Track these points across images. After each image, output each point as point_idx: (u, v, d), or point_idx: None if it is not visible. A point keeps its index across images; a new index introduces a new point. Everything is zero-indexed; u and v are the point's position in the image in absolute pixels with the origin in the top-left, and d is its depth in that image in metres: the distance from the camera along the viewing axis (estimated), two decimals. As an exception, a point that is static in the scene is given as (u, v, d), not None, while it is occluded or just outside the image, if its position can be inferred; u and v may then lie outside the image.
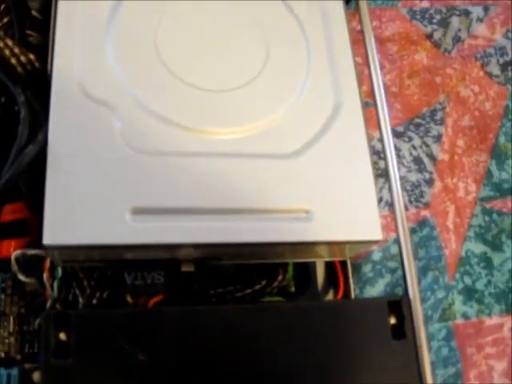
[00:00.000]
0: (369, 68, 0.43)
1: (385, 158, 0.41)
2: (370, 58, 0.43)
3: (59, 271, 0.38)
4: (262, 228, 0.35)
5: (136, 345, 0.31)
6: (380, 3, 0.56)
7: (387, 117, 0.42)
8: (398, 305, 0.36)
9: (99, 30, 0.38)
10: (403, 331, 0.35)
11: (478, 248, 0.50)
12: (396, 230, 0.38)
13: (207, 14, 0.40)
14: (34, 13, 0.43)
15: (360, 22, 0.44)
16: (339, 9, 0.43)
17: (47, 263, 0.38)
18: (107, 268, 0.38)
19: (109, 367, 0.30)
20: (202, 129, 0.37)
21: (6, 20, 0.39)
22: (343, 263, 0.44)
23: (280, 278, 0.40)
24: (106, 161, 0.34)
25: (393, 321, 0.35)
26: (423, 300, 0.47)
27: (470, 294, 0.49)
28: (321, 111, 0.39)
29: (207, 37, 0.39)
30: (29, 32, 0.43)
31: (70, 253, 0.34)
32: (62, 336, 0.30)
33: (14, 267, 0.36)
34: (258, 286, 0.40)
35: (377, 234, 0.37)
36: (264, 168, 0.36)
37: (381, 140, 0.42)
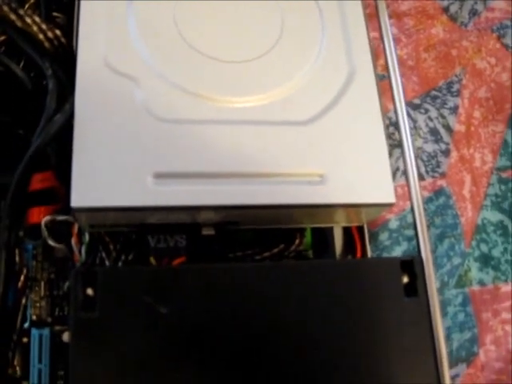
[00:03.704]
0: (382, 40, 0.44)
1: (398, 127, 0.42)
2: (384, 29, 0.44)
3: (86, 236, 0.40)
4: (277, 191, 0.36)
5: (158, 299, 0.33)
6: (395, -22, 0.57)
7: (400, 87, 0.43)
8: (410, 264, 0.37)
9: (122, 5, 0.40)
10: (415, 289, 0.36)
11: (495, 216, 0.51)
12: (408, 186, 0.39)
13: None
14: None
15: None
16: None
17: (75, 229, 0.40)
18: (132, 232, 0.40)
19: (132, 319, 0.32)
20: (220, 98, 0.38)
21: (33, 0, 0.41)
22: (360, 230, 0.46)
23: (297, 241, 0.42)
24: (128, 129, 0.36)
25: (405, 279, 0.37)
26: (440, 266, 0.48)
27: (486, 260, 0.49)
28: (335, 80, 0.40)
29: (224, 10, 0.41)
30: (55, 14, 0.45)
31: (96, 216, 0.36)
32: (89, 291, 0.33)
33: (44, 233, 0.39)
34: (276, 250, 0.41)
35: (390, 197, 0.38)
36: (279, 134, 0.38)
37: (394, 110, 0.42)
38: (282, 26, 0.41)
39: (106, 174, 0.35)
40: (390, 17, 0.54)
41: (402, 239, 0.49)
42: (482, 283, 0.49)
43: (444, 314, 0.47)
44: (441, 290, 0.47)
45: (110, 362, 0.32)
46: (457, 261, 0.49)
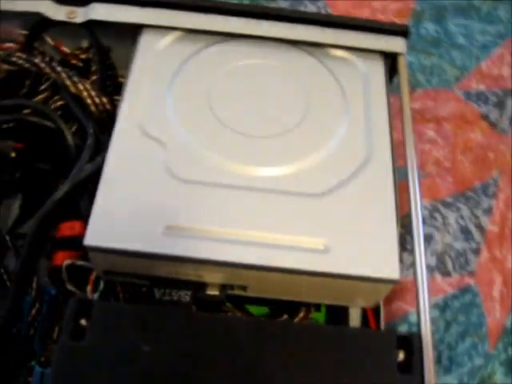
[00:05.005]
0: (403, 140, 0.45)
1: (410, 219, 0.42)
2: (407, 131, 0.45)
3: (101, 284, 0.42)
4: (280, 255, 0.38)
5: (143, 337, 0.34)
6: (435, 85, 0.59)
7: (417, 186, 0.43)
8: (406, 340, 0.36)
9: (164, 83, 0.45)
10: (410, 366, 0.35)
11: (526, 320, 0.48)
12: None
13: (258, 75, 0.46)
14: (120, 79, 0.52)
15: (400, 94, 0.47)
16: (381, 78, 0.47)
17: (92, 277, 0.42)
18: (141, 285, 0.42)
19: (116, 353, 0.33)
20: (239, 167, 0.41)
21: (94, 78, 0.47)
22: (377, 315, 0.45)
23: (302, 315, 0.42)
24: (149, 185, 0.40)
25: (401, 355, 0.35)
26: (459, 365, 0.45)
27: None
28: (351, 162, 0.42)
29: (254, 89, 0.45)
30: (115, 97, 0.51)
31: (107, 259, 0.38)
32: (83, 322, 0.34)
33: (64, 275, 0.41)
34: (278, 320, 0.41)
35: (394, 274, 0.38)
36: (291, 203, 0.40)
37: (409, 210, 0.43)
38: (307, 111, 0.44)
39: (122, 221, 0.38)
40: (429, 121, 0.56)
41: (421, 333, 0.47)
42: (507, 389, 0.45)
43: (463, 418, 0.43)
44: (459, 392, 0.44)
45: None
46: (479, 362, 0.46)
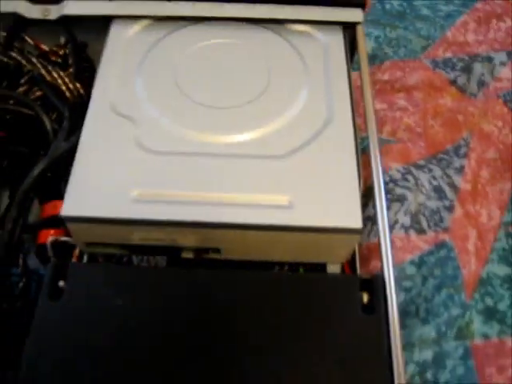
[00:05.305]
0: (363, 104, 0.47)
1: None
2: (366, 96, 0.47)
3: (85, 258, 0.44)
4: (246, 212, 0.40)
5: (117, 294, 0.36)
6: (403, 56, 0.61)
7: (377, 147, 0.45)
8: (369, 282, 0.37)
9: (133, 65, 0.47)
10: (373, 307, 0.36)
11: (502, 270, 0.49)
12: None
13: (222, 53, 0.49)
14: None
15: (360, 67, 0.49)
16: (341, 48, 0.49)
17: (76, 251, 0.45)
18: (122, 255, 0.44)
19: (91, 308, 0.35)
20: (206, 136, 0.43)
21: (71, 70, 0.50)
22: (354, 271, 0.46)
23: (275, 272, 0.43)
24: (121, 158, 0.42)
25: (365, 297, 0.37)
26: (436, 315, 0.46)
27: (490, 314, 0.47)
28: (312, 126, 0.44)
29: (220, 69, 0.48)
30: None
31: (85, 229, 0.40)
32: (61, 283, 0.37)
33: (50, 251, 0.44)
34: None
35: (356, 223, 0.39)
36: (256, 165, 0.42)
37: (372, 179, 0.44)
38: (268, 81, 0.47)
39: (96, 191, 0.40)
40: (399, 91, 0.58)
41: (399, 289, 0.48)
42: (485, 336, 0.46)
43: (442, 366, 0.44)
44: (438, 341, 0.45)
45: (68, 347, 0.35)
46: (456, 312, 0.47)
